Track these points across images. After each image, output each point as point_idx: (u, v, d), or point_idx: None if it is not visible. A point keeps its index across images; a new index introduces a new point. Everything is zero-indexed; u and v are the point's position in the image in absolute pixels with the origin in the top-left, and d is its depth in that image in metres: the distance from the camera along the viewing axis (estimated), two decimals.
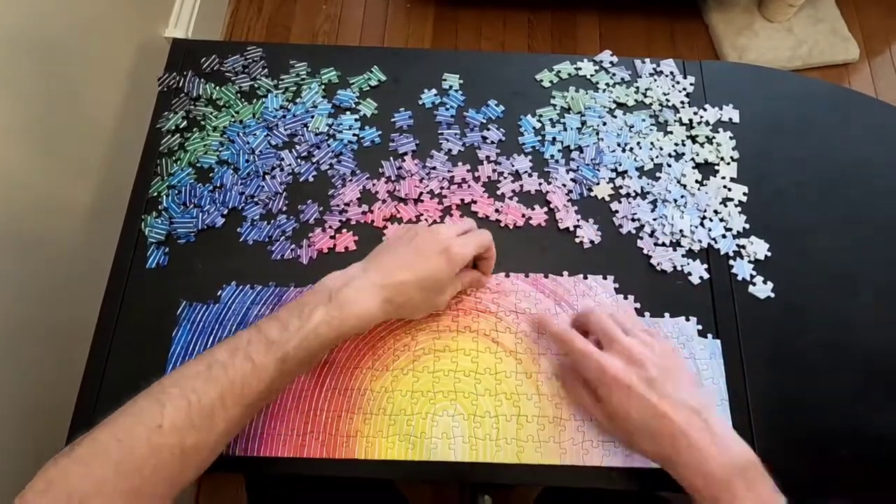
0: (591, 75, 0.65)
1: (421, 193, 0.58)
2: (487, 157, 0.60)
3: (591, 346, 0.46)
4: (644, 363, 0.44)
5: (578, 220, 0.57)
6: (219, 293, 0.54)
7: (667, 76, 0.65)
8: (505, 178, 0.59)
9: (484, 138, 0.61)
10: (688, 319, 0.53)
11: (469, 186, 0.59)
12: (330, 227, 0.57)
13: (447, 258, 0.46)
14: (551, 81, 0.64)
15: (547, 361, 0.51)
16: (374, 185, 0.59)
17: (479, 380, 0.51)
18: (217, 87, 0.63)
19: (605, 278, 0.55)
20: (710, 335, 0.53)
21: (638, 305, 0.54)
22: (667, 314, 0.53)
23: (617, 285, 0.54)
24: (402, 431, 0.49)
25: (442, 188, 0.59)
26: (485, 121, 0.62)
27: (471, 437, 0.49)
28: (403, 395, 0.50)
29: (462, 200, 0.58)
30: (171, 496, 0.38)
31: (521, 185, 0.59)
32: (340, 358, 0.51)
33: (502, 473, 0.48)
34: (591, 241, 0.56)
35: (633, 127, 0.62)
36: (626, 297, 0.54)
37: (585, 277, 0.55)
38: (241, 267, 0.55)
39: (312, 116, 0.62)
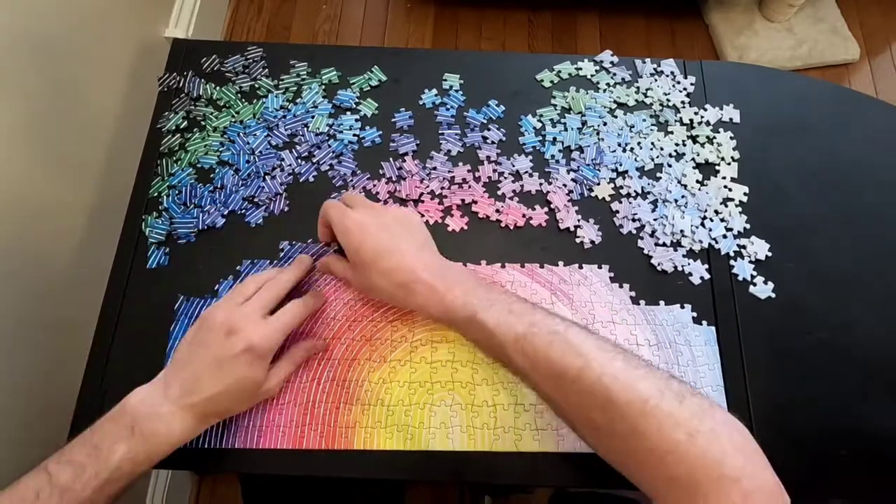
0: (592, 75, 0.65)
1: (421, 194, 0.58)
2: (488, 158, 0.60)
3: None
4: (380, 211, 0.49)
5: (579, 221, 0.57)
6: (216, 287, 0.54)
7: (667, 76, 0.65)
8: (505, 178, 0.59)
9: (484, 138, 0.61)
10: (682, 307, 0.54)
11: (469, 187, 0.59)
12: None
13: (251, 357, 0.42)
14: (552, 81, 0.64)
15: None
16: (374, 185, 0.59)
17: (476, 369, 0.51)
18: (217, 88, 0.63)
19: (599, 267, 0.55)
20: (704, 322, 0.53)
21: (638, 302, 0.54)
22: (662, 302, 0.54)
23: (612, 274, 0.55)
24: (401, 422, 0.49)
25: (442, 188, 0.59)
26: (485, 121, 0.62)
27: (469, 427, 0.49)
28: (401, 385, 0.50)
29: (462, 201, 0.58)
30: None
31: (522, 186, 0.59)
32: (338, 350, 0.51)
33: (500, 465, 0.48)
34: (592, 242, 0.56)
35: (633, 127, 0.62)
36: (621, 286, 0.54)
37: (581, 267, 0.55)
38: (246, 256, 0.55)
39: (313, 117, 0.62)
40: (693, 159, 0.61)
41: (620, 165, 0.60)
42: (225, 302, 0.45)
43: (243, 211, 0.57)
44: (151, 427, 0.40)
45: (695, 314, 0.54)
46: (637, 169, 0.60)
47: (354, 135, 0.61)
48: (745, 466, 0.34)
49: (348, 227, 0.47)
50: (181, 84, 0.63)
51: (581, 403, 0.39)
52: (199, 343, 0.43)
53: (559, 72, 0.65)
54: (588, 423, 0.39)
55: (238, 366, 0.42)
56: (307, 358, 0.50)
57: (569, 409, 0.40)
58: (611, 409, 0.37)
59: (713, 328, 0.53)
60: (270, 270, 0.50)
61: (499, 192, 0.59)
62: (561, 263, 0.55)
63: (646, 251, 0.56)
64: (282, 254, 0.55)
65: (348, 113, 0.63)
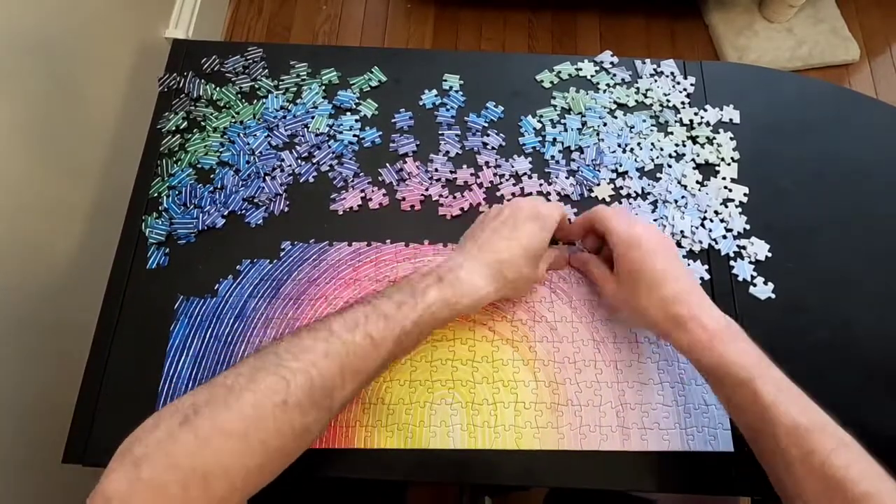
0: (592, 76, 0.65)
1: (421, 202, 0.58)
2: (487, 163, 0.60)
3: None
4: (658, 233, 0.47)
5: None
6: (216, 287, 0.54)
7: (667, 77, 0.65)
8: (506, 180, 0.59)
9: (484, 144, 0.61)
10: None
11: (471, 190, 0.59)
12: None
13: (540, 222, 0.47)
14: (552, 82, 0.64)
15: (543, 348, 0.52)
16: (373, 191, 0.59)
17: (476, 368, 0.51)
18: (217, 88, 0.63)
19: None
20: None
21: None
22: None
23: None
24: (401, 420, 0.49)
25: (441, 195, 0.58)
26: (486, 124, 0.62)
27: (469, 425, 0.49)
28: (401, 384, 0.50)
29: (462, 209, 0.58)
30: (279, 472, 0.38)
31: (522, 188, 0.59)
32: None
33: (501, 464, 0.48)
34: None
35: (633, 127, 0.62)
36: None
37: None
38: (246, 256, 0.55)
39: (313, 117, 0.62)
40: (693, 160, 0.61)
41: (620, 166, 0.60)
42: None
43: (243, 211, 0.57)
44: (456, 276, 0.44)
45: None
46: (637, 169, 0.60)
47: (354, 135, 0.61)
48: None
49: (637, 238, 0.45)
50: (181, 84, 0.63)
51: None
52: (492, 218, 0.49)
53: (559, 72, 0.65)
54: None
55: (528, 228, 0.47)
56: (555, 265, 0.53)
57: None
58: None
59: None
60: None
61: (498, 195, 0.59)
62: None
63: None
64: (283, 253, 0.55)
65: (348, 113, 0.63)
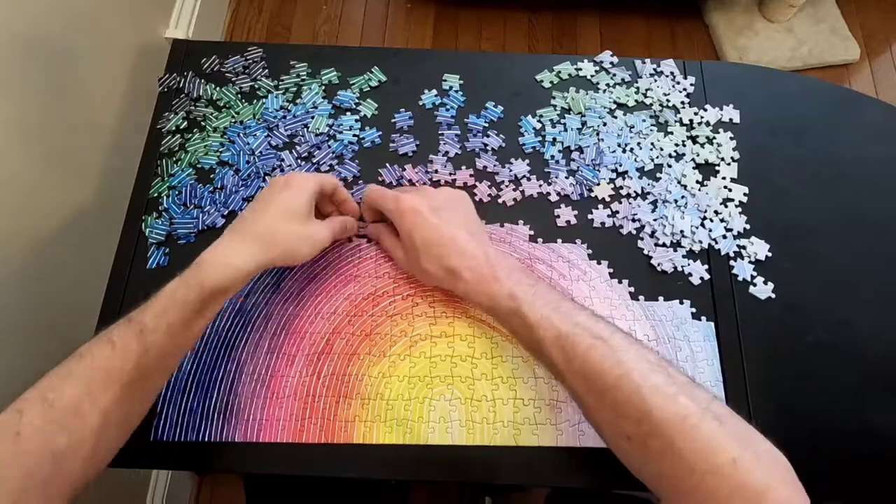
0: (592, 76, 0.65)
1: None
2: (485, 167, 0.60)
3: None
4: (432, 195, 0.50)
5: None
6: None
7: (667, 76, 0.65)
8: (506, 185, 0.59)
9: (485, 145, 0.61)
10: (681, 302, 0.54)
11: (473, 193, 0.59)
12: None
13: (292, 188, 0.47)
14: (552, 82, 0.64)
15: None
16: None
17: (475, 364, 0.51)
18: (217, 88, 0.63)
19: (599, 264, 0.56)
20: (703, 318, 0.53)
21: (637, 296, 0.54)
22: (661, 297, 0.54)
23: (611, 270, 0.55)
24: (400, 416, 0.49)
25: None
26: (486, 124, 0.62)
27: (468, 421, 0.49)
28: (401, 380, 0.51)
29: None
30: (62, 497, 0.37)
31: (523, 192, 0.59)
32: (338, 344, 0.52)
33: (500, 462, 0.48)
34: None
35: (633, 127, 0.62)
36: (620, 282, 0.54)
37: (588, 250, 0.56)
38: None
39: (313, 117, 0.62)
40: (693, 160, 0.61)
41: (620, 166, 0.60)
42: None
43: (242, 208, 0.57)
44: (204, 256, 0.43)
45: (693, 310, 0.54)
46: (637, 169, 0.60)
47: (354, 135, 0.61)
48: (789, 498, 0.34)
49: (402, 210, 0.48)
50: (181, 84, 0.63)
51: (615, 412, 0.38)
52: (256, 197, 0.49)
53: (559, 72, 0.65)
54: (620, 433, 0.39)
55: (277, 193, 0.47)
56: (345, 232, 0.53)
57: (601, 415, 0.40)
58: (646, 423, 0.36)
59: (712, 324, 0.53)
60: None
61: (499, 202, 0.58)
62: (559, 241, 0.56)
63: (646, 251, 0.56)
64: None
65: (348, 113, 0.63)
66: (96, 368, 0.38)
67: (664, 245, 0.56)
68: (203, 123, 0.61)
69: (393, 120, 0.62)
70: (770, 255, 0.56)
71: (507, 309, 0.44)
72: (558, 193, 0.59)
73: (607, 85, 0.64)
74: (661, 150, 0.61)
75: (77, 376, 0.38)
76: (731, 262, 0.56)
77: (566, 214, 0.58)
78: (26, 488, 0.35)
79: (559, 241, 0.56)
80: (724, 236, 0.57)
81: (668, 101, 0.63)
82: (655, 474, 0.38)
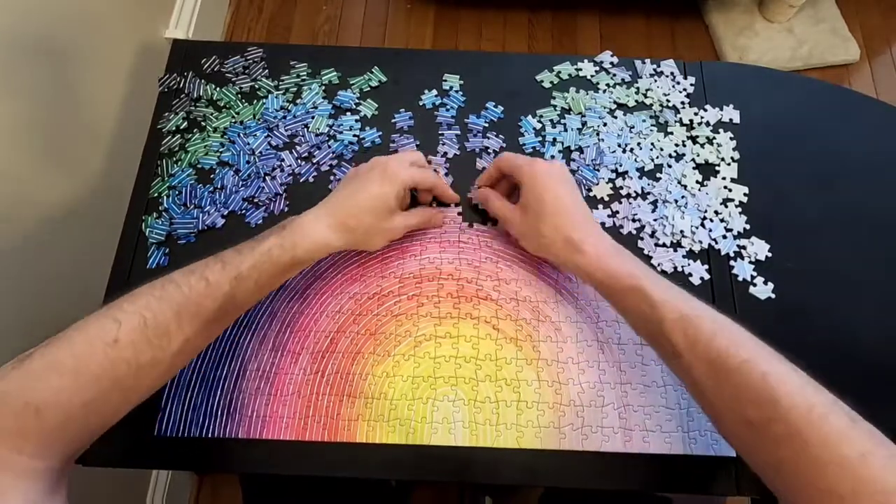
0: (592, 76, 0.65)
1: None
2: (485, 168, 0.60)
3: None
4: (560, 166, 0.51)
5: None
6: None
7: (667, 77, 0.65)
8: None
9: (486, 147, 0.61)
10: None
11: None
12: None
13: (384, 176, 0.49)
14: (552, 82, 0.64)
15: (547, 348, 0.52)
16: None
17: (479, 366, 0.51)
18: (217, 88, 0.63)
19: None
20: None
21: None
22: None
23: None
24: (403, 416, 0.49)
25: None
26: (486, 125, 0.62)
27: (471, 423, 0.49)
28: (405, 380, 0.51)
29: (460, 213, 0.58)
30: (125, 409, 0.40)
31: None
32: (342, 343, 0.52)
33: (502, 463, 0.48)
34: None
35: (633, 127, 0.62)
36: None
37: None
38: None
39: (313, 117, 0.62)
40: (693, 160, 0.61)
41: (620, 166, 0.60)
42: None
43: (243, 211, 0.57)
44: (297, 223, 0.46)
45: None
46: (637, 169, 0.60)
47: (354, 135, 0.61)
48: None
49: (536, 172, 0.49)
50: (181, 85, 0.63)
51: (736, 396, 0.37)
52: (349, 177, 0.51)
53: (559, 72, 0.65)
54: (740, 418, 0.38)
55: (372, 181, 0.49)
56: (427, 224, 0.55)
57: (720, 399, 0.39)
58: (770, 409, 0.35)
59: None
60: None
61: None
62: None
63: (646, 252, 0.56)
64: None
65: (348, 113, 0.63)
66: (190, 299, 0.41)
67: (664, 245, 0.56)
68: (203, 123, 0.61)
69: (393, 120, 0.62)
70: (770, 255, 0.56)
71: (627, 286, 0.44)
72: None
73: (607, 85, 0.64)
74: (661, 150, 0.61)
75: (171, 302, 0.40)
76: (732, 263, 0.56)
77: None
78: (110, 393, 0.38)
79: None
80: (725, 236, 0.57)
81: (668, 101, 0.63)
82: (774, 463, 0.36)
